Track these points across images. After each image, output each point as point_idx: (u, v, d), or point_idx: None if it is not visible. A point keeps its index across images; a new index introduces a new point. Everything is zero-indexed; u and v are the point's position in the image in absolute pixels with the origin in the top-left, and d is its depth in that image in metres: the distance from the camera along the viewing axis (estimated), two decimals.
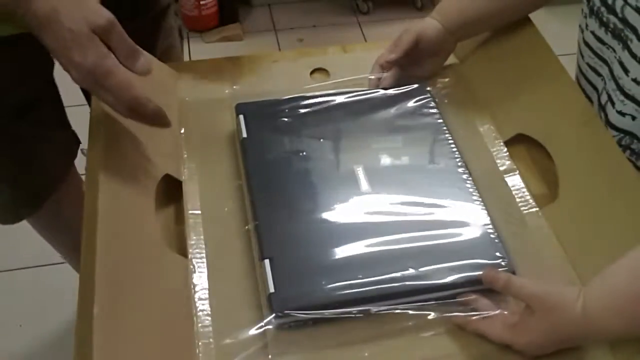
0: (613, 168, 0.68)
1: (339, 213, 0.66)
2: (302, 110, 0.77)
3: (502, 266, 0.62)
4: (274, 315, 0.58)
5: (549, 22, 2.39)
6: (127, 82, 0.59)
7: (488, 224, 0.66)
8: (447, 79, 0.85)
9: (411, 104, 0.79)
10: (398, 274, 0.61)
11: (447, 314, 0.61)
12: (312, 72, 0.87)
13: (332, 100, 0.79)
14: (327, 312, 0.59)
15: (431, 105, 0.79)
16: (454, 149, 0.73)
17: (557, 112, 0.76)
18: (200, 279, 0.63)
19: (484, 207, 0.68)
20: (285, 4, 2.42)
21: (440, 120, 0.77)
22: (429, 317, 0.60)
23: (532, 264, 0.65)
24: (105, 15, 0.58)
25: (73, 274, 1.22)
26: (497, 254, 0.63)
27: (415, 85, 0.81)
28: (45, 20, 0.57)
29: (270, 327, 0.59)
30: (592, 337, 0.57)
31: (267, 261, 0.61)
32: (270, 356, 0.58)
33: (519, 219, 0.69)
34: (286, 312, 0.58)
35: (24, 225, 1.55)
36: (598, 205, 0.67)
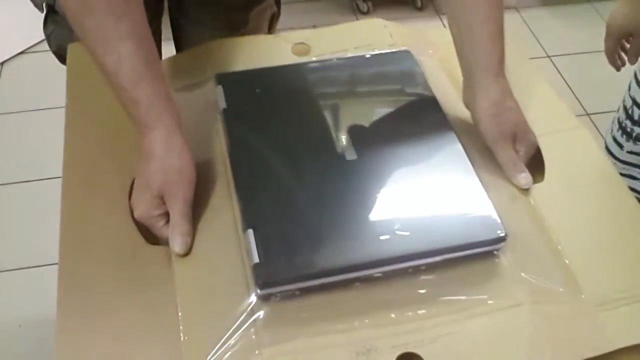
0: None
1: (325, 180, 0.64)
2: (284, 79, 0.75)
3: (496, 232, 0.60)
4: (259, 286, 0.56)
5: (549, 22, 2.40)
6: (163, 235, 0.63)
7: (480, 189, 0.64)
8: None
9: (397, 68, 0.77)
10: (386, 240, 0.59)
11: (435, 286, 0.59)
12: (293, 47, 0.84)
13: (314, 68, 0.77)
14: (315, 282, 0.57)
15: (417, 70, 0.77)
16: (443, 114, 0.72)
17: None
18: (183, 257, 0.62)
19: (475, 173, 0.66)
20: (285, 3, 2.41)
21: (427, 85, 0.75)
22: (421, 286, 0.59)
23: (516, 234, 0.63)
24: (170, 190, 0.62)
25: None
26: (490, 219, 0.62)
27: (401, 49, 0.80)
28: (142, 152, 0.64)
29: (256, 299, 0.57)
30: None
31: (250, 231, 0.59)
32: (256, 330, 0.55)
33: (509, 188, 0.68)
34: (271, 282, 0.56)
35: (24, 225, 1.56)
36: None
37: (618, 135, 0.96)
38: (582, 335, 0.58)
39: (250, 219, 0.61)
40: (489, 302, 0.59)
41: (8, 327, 1.42)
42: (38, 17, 0.96)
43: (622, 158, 0.96)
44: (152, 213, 0.63)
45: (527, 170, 0.68)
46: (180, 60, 0.84)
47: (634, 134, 0.92)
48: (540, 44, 2.26)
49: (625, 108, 0.94)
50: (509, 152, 0.68)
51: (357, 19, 2.37)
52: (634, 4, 0.95)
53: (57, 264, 0.65)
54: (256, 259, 0.57)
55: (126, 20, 0.62)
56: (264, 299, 0.57)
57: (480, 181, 0.65)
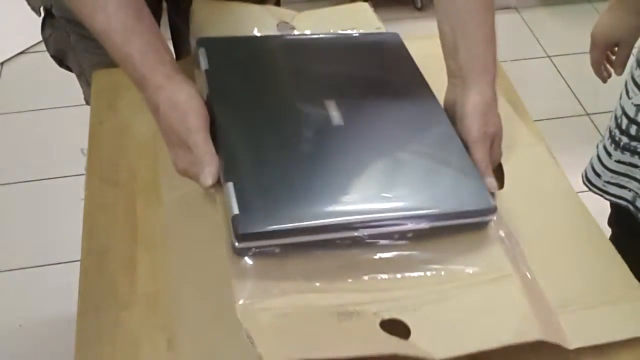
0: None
1: (310, 141, 0.63)
2: (268, 48, 0.74)
3: (487, 202, 0.60)
4: (237, 238, 0.54)
5: (549, 22, 2.40)
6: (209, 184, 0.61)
7: (469, 162, 0.63)
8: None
9: (383, 46, 0.77)
10: (372, 201, 0.58)
11: (422, 252, 0.58)
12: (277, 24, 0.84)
13: (300, 41, 0.77)
14: (295, 239, 0.55)
15: (404, 49, 0.76)
16: (430, 90, 0.71)
17: None
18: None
19: (462, 146, 0.65)
20: (285, 3, 2.41)
21: (413, 62, 0.74)
22: (407, 252, 0.58)
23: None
24: (182, 127, 0.61)
25: (73, 273, 1.22)
26: (481, 190, 0.61)
27: (388, 32, 0.79)
28: (151, 108, 0.63)
29: (235, 254, 0.55)
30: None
31: (230, 184, 0.57)
32: (235, 284, 0.54)
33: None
34: (250, 234, 0.54)
35: (24, 225, 1.56)
36: None
37: (608, 143, 0.96)
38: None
39: (230, 173, 0.58)
40: (477, 272, 0.58)
41: (8, 327, 1.42)
42: (37, 17, 0.96)
43: (610, 167, 0.96)
44: (190, 159, 0.61)
45: (493, 176, 0.67)
46: None
47: (622, 143, 0.92)
48: (540, 44, 2.26)
49: (615, 117, 0.94)
50: (485, 153, 0.67)
51: None
52: (618, 13, 0.95)
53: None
54: (235, 211, 0.55)
55: None
56: (242, 253, 0.55)
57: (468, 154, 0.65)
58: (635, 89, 0.90)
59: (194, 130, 0.61)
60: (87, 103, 1.00)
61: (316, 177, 0.59)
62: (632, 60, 0.94)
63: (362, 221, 0.56)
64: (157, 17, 1.01)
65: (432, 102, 0.70)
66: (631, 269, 0.66)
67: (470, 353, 0.52)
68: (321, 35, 0.79)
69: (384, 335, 0.52)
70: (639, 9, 0.93)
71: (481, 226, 0.61)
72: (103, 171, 0.73)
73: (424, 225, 0.58)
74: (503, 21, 2.40)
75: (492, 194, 0.62)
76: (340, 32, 0.81)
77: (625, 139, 0.92)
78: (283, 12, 0.84)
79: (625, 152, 0.93)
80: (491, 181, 0.66)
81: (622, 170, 0.95)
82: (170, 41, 1.10)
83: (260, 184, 0.57)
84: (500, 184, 0.70)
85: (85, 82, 0.97)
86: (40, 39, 0.97)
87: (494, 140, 0.69)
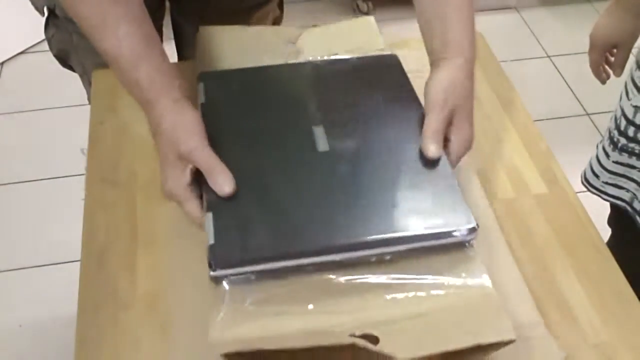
0: None
1: (291, 169, 0.64)
2: (264, 78, 0.76)
3: (467, 223, 0.59)
4: (211, 267, 0.56)
5: (548, 22, 2.40)
6: (192, 213, 0.62)
7: (453, 181, 0.63)
8: None
9: (380, 70, 0.77)
10: (348, 226, 0.59)
11: (400, 273, 0.58)
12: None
13: (295, 69, 0.78)
14: (270, 265, 0.57)
15: (402, 72, 0.76)
16: (422, 111, 0.69)
17: None
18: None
19: (448, 164, 0.65)
20: (285, 3, 2.41)
21: (410, 85, 0.74)
22: (382, 271, 0.58)
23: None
24: (188, 143, 0.61)
25: (73, 273, 1.22)
26: (462, 210, 0.61)
27: (386, 53, 0.80)
28: (153, 130, 0.64)
29: (212, 281, 0.57)
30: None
31: (209, 214, 0.59)
32: (210, 312, 0.55)
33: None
34: (224, 263, 0.56)
35: (24, 225, 1.56)
36: None
37: (607, 144, 0.96)
38: None
39: (211, 203, 0.60)
40: (458, 292, 0.58)
41: (8, 327, 1.42)
42: (38, 17, 0.96)
43: (608, 168, 0.96)
44: (181, 181, 0.62)
45: (441, 144, 0.65)
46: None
47: (620, 144, 0.93)
48: (540, 44, 2.26)
49: (615, 118, 0.95)
50: (437, 121, 0.65)
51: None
52: (617, 14, 0.95)
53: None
54: (211, 241, 0.57)
55: (122, 3, 0.63)
56: (217, 280, 0.57)
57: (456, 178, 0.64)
58: (635, 90, 0.90)
59: (201, 146, 0.61)
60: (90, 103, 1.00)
61: (295, 204, 0.61)
62: (631, 61, 0.94)
63: (337, 246, 0.58)
64: (160, 17, 1.01)
65: (420, 124, 0.68)
66: (630, 269, 0.67)
67: (435, 353, 0.53)
68: (318, 62, 0.80)
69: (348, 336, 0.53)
70: (638, 11, 0.93)
71: (461, 246, 0.61)
72: (103, 171, 0.73)
73: (401, 247, 0.59)
74: (503, 21, 2.40)
75: (472, 215, 0.61)
76: (339, 56, 0.82)
77: (623, 140, 0.92)
78: (289, 32, 0.85)
79: (623, 153, 0.93)
80: (431, 148, 0.64)
81: (620, 171, 0.95)
82: (172, 40, 1.10)
83: (238, 214, 0.60)
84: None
85: (88, 82, 0.97)
86: (41, 38, 0.97)
87: (455, 115, 0.66)
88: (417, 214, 0.60)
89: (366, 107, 0.72)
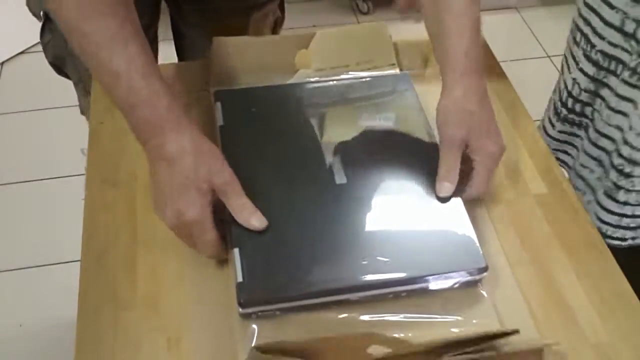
0: None
1: (312, 203, 0.65)
2: (280, 99, 0.77)
3: (477, 262, 0.62)
4: (240, 305, 0.58)
5: (549, 22, 2.40)
6: (214, 242, 0.62)
7: (465, 220, 0.65)
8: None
9: (393, 93, 0.78)
10: (366, 266, 0.61)
11: (417, 313, 0.61)
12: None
13: (311, 89, 0.78)
14: (294, 304, 0.59)
15: (413, 96, 0.77)
16: (434, 143, 0.71)
17: None
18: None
19: (462, 205, 0.66)
20: (284, 3, 2.41)
21: (422, 112, 0.75)
22: (401, 310, 0.60)
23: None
24: (222, 175, 0.61)
25: (73, 273, 1.22)
26: (473, 249, 0.63)
27: (398, 73, 0.81)
28: (157, 154, 0.61)
29: (239, 317, 0.59)
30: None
31: (236, 250, 0.61)
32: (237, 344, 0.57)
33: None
34: (253, 301, 0.58)
35: (24, 225, 1.56)
36: None
37: (552, 114, 0.99)
38: None
39: (237, 238, 0.62)
40: (468, 324, 0.60)
41: (8, 327, 1.42)
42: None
43: (555, 137, 0.99)
44: (207, 211, 0.60)
45: (454, 182, 0.66)
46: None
47: (562, 115, 0.96)
48: (540, 44, 2.26)
49: (559, 90, 0.98)
50: (449, 157, 0.66)
51: (357, 19, 2.37)
52: None
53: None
54: (240, 279, 0.59)
55: (129, 23, 0.62)
56: (245, 316, 0.59)
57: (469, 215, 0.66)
58: (574, 64, 0.93)
59: (233, 180, 0.61)
60: (83, 113, 0.99)
61: (317, 243, 0.63)
62: (569, 38, 0.97)
63: (356, 286, 0.60)
64: (155, 18, 1.01)
65: (435, 155, 0.69)
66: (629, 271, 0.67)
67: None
68: (332, 83, 0.80)
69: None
70: None
71: (472, 284, 0.63)
72: (103, 171, 0.73)
73: (415, 287, 0.61)
74: (503, 21, 2.40)
75: (483, 254, 0.62)
76: (352, 74, 0.82)
77: (565, 111, 0.95)
78: (299, 39, 0.85)
79: (566, 123, 0.95)
80: (446, 186, 0.65)
81: (565, 139, 0.98)
82: (171, 41, 1.10)
83: (264, 251, 0.61)
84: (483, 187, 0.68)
85: (83, 90, 0.96)
86: None
87: (470, 141, 0.65)
88: (430, 253, 0.63)
89: (380, 137, 0.73)
